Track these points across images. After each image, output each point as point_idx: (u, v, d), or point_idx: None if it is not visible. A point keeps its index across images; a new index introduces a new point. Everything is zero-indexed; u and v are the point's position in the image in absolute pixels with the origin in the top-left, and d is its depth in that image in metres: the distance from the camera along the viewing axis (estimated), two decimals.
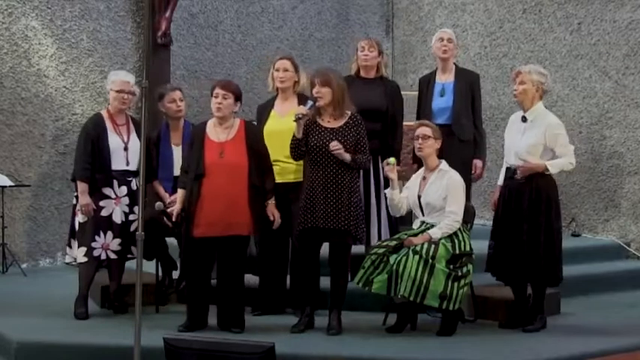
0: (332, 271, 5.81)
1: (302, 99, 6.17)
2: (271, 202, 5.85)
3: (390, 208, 6.12)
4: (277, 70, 6.24)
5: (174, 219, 5.85)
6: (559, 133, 5.90)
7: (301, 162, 5.97)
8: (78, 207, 6.08)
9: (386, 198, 6.14)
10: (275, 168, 6.08)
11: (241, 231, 5.69)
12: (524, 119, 5.97)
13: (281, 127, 6.01)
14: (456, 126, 6.70)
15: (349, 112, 5.83)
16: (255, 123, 6.26)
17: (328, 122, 5.78)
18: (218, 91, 5.79)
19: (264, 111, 6.34)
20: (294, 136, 5.74)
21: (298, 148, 5.75)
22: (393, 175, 5.94)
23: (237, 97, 5.83)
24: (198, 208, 5.66)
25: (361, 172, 6.35)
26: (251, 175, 5.72)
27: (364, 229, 5.88)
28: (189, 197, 5.71)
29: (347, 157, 5.68)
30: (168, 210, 5.98)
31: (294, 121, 5.70)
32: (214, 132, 5.80)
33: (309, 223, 5.70)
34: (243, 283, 5.83)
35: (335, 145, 5.65)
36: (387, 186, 6.19)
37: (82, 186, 6.05)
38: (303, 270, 5.88)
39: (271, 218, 5.83)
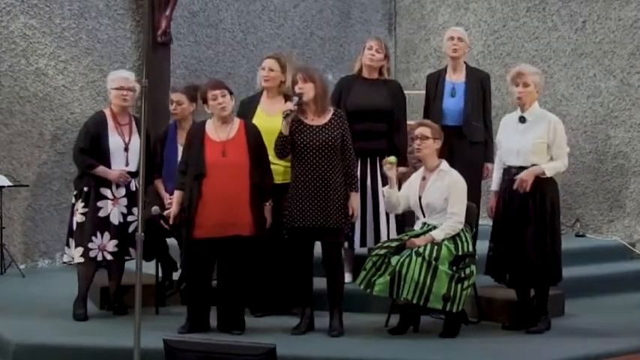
0: (327, 271, 5.76)
1: (288, 100, 6.08)
2: (268, 203, 5.82)
3: (387, 206, 6.09)
4: (263, 69, 6.20)
5: (171, 222, 5.78)
6: (559, 131, 5.87)
7: (289, 164, 5.88)
8: (76, 207, 6.05)
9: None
10: None
11: (243, 231, 5.64)
12: (522, 120, 5.92)
13: (270, 126, 5.87)
14: (467, 128, 6.63)
15: (331, 109, 5.82)
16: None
17: (312, 120, 5.74)
18: (215, 92, 5.72)
19: (248, 107, 6.26)
20: (280, 133, 5.69)
21: (284, 146, 5.70)
22: (392, 174, 5.90)
23: (231, 92, 5.81)
24: (199, 209, 5.60)
25: (368, 172, 6.32)
26: (252, 175, 5.67)
27: (351, 227, 5.92)
28: (190, 198, 5.65)
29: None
30: (165, 213, 5.88)
31: (283, 117, 5.65)
32: (214, 131, 5.76)
33: (299, 223, 5.66)
34: (244, 285, 5.78)
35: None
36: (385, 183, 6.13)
37: (97, 171, 5.99)
38: (297, 270, 5.83)
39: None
